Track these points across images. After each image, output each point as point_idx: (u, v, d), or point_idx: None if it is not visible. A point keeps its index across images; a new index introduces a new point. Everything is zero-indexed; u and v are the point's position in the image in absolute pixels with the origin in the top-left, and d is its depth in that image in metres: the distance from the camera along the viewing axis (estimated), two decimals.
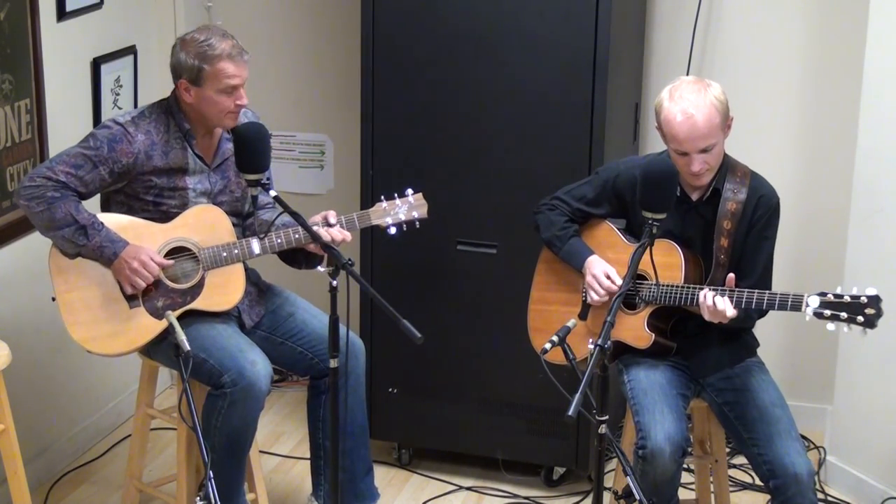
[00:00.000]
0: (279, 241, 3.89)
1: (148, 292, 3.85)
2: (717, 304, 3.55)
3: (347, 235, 3.91)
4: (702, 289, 3.61)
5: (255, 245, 3.89)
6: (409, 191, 4.04)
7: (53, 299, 3.84)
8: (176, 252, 3.89)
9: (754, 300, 3.56)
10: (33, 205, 3.77)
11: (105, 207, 3.98)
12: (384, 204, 4.02)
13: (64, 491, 4.59)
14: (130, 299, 3.85)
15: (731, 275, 3.59)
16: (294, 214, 3.71)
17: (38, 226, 3.83)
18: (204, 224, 3.89)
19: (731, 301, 3.57)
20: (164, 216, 3.90)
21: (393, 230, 4.02)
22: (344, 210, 5.11)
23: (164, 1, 5.09)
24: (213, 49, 3.82)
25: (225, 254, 3.87)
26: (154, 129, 3.87)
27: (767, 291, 3.54)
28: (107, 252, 3.80)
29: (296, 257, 4.04)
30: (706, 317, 3.59)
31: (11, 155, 4.26)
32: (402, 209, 4.02)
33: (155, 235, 3.87)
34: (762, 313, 3.70)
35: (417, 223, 4.05)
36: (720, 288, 3.60)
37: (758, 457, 3.67)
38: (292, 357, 4.10)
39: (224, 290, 3.89)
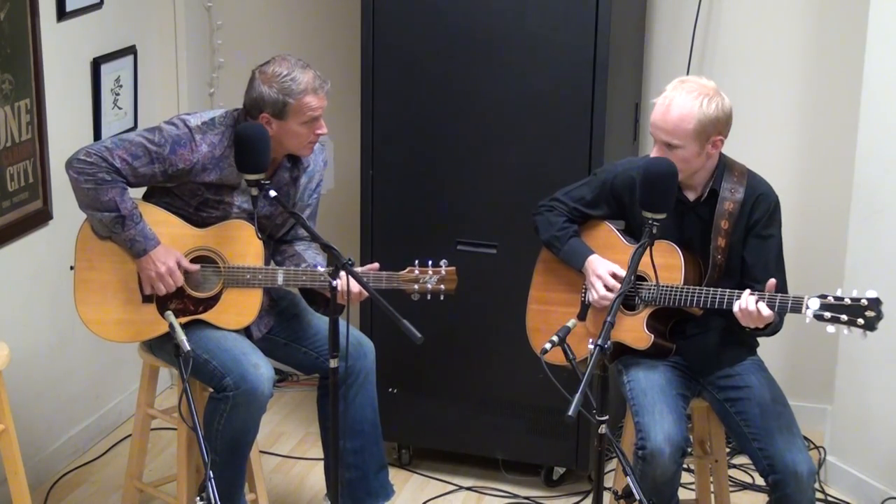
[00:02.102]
0: (304, 278, 3.88)
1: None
2: (750, 305, 3.50)
3: (364, 294, 3.74)
4: (736, 293, 3.57)
5: (280, 277, 3.86)
6: (444, 262, 3.93)
7: (72, 268, 3.85)
8: (201, 260, 3.89)
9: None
10: (82, 180, 3.75)
11: (148, 196, 3.96)
12: (416, 271, 3.91)
13: (64, 491, 4.59)
14: (146, 295, 3.86)
15: (773, 280, 3.55)
16: (294, 215, 3.72)
17: (80, 201, 3.82)
18: (235, 240, 3.87)
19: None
20: (202, 222, 3.89)
21: (416, 297, 3.94)
22: (343, 210, 5.14)
23: (164, 1, 5.08)
24: (298, 84, 3.78)
25: (248, 276, 3.86)
26: (218, 143, 3.83)
27: (767, 294, 3.53)
28: (137, 247, 3.80)
29: (316, 298, 4.03)
30: (742, 321, 3.55)
31: (11, 155, 4.26)
32: (431, 280, 3.92)
33: (187, 238, 3.87)
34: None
35: (442, 296, 3.96)
36: (731, 290, 3.60)
37: (758, 452, 3.66)
38: (297, 357, 4.10)
39: (238, 309, 3.88)
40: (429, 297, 3.93)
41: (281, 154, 3.90)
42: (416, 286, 3.91)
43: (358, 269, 3.75)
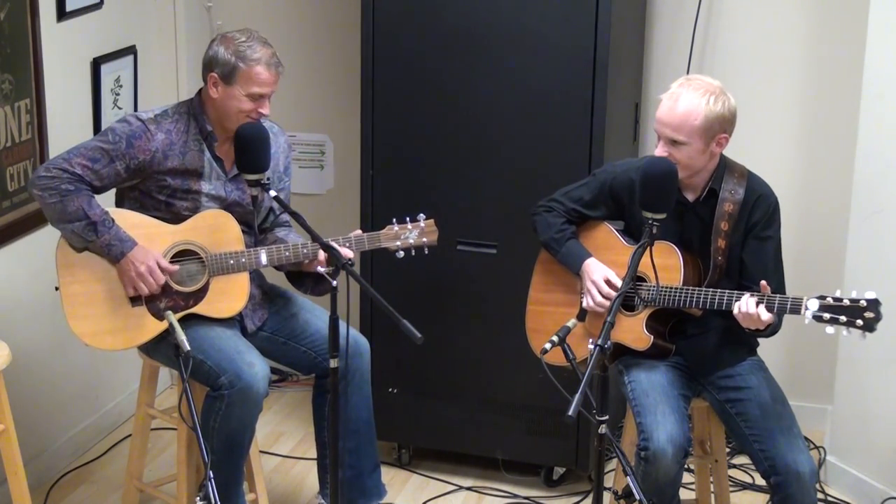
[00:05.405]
0: (287, 254, 3.88)
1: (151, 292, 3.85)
2: (750, 308, 3.50)
3: (349, 252, 3.83)
4: (739, 295, 3.57)
5: (263, 256, 3.87)
6: (422, 216, 3.99)
7: (57, 289, 3.84)
8: (183, 254, 3.89)
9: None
10: (46, 195, 3.76)
11: (118, 203, 3.98)
12: (395, 227, 3.97)
13: (64, 491, 4.59)
14: (133, 298, 3.85)
15: (763, 283, 3.54)
16: (294, 214, 3.72)
17: (49, 217, 3.83)
18: (213, 229, 3.88)
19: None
20: (175, 217, 3.89)
21: (401, 254, 3.98)
22: (343, 210, 5.15)
23: (164, 1, 5.09)
24: (254, 52, 3.82)
25: (232, 261, 3.87)
26: (174, 129, 3.87)
27: (766, 294, 3.53)
28: (114, 251, 3.80)
29: (303, 280, 4.03)
30: (743, 323, 3.55)
31: (11, 155, 4.26)
32: (412, 234, 3.97)
33: (164, 236, 3.87)
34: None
35: (426, 250, 4.01)
36: (732, 292, 3.59)
37: (759, 453, 3.66)
38: (296, 357, 4.10)
39: (228, 296, 3.88)
40: (413, 252, 3.98)
41: (226, 130, 3.89)
42: (398, 243, 3.97)
43: (342, 238, 3.87)
